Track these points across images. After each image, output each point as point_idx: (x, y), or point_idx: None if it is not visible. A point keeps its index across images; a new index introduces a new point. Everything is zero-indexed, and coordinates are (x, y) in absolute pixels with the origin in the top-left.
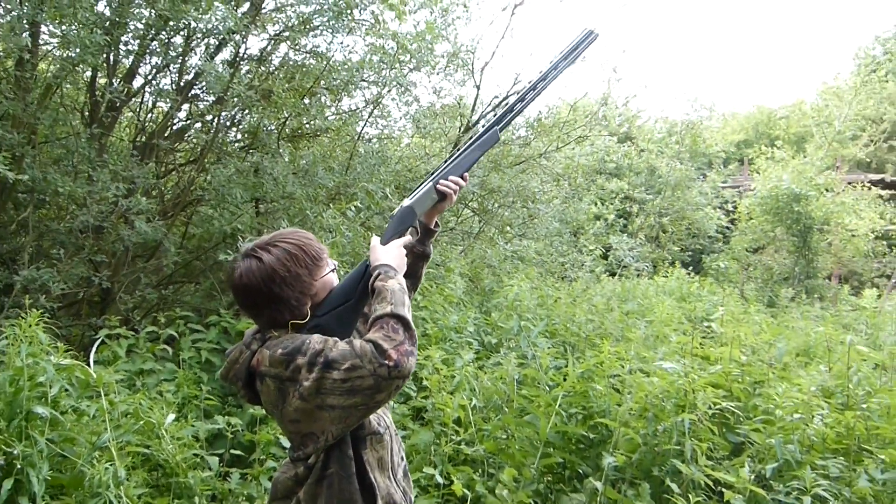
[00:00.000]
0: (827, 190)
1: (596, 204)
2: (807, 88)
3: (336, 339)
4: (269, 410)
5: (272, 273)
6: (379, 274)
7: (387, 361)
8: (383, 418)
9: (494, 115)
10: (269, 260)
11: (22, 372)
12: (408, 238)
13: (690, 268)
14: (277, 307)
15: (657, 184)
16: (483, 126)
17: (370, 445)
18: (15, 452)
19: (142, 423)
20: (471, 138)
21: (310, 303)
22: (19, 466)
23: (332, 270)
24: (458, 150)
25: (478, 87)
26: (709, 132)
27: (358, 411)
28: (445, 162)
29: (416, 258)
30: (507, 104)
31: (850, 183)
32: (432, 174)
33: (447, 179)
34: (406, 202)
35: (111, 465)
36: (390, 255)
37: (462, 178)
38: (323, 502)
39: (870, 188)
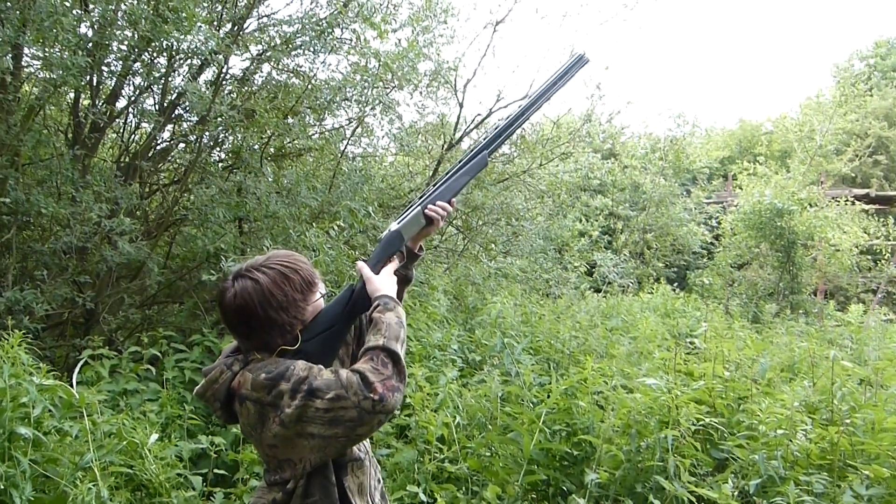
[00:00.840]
0: (810, 205)
1: (580, 221)
2: (791, 103)
3: (321, 366)
4: (246, 433)
5: (269, 296)
6: (378, 305)
7: (372, 395)
8: (363, 443)
9: (483, 138)
10: (265, 281)
11: (5, 393)
12: (397, 264)
13: (675, 284)
14: (270, 331)
15: (641, 200)
16: (470, 146)
17: (351, 472)
18: None
19: (125, 443)
20: (458, 159)
21: (300, 328)
22: (2, 487)
23: (322, 296)
24: (447, 174)
25: (461, 105)
26: (692, 148)
27: (338, 442)
28: (434, 186)
29: (398, 282)
30: (493, 125)
31: (834, 198)
32: (421, 199)
33: (435, 204)
34: (393, 226)
35: (94, 485)
36: (387, 284)
37: (449, 203)
38: None
39: (853, 203)
